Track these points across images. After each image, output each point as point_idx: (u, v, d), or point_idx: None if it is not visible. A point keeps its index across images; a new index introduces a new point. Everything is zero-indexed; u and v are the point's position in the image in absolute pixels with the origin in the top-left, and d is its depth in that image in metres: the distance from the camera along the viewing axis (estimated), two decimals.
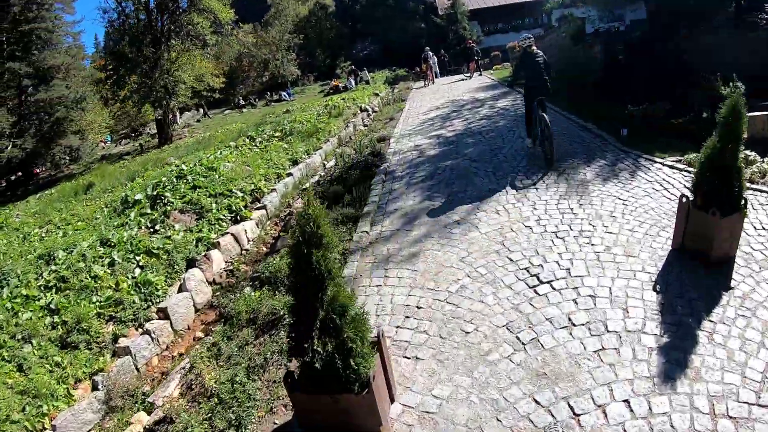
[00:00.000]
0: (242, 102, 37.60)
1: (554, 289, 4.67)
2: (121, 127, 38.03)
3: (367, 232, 6.79)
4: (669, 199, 6.37)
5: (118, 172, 17.40)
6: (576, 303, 4.43)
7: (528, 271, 5.00)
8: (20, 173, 28.57)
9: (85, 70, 31.39)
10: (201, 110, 35.71)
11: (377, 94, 24.70)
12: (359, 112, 19.81)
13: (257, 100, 38.21)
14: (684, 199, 4.81)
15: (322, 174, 11.22)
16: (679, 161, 7.74)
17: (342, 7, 48.06)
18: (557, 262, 5.08)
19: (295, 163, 12.60)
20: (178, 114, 36.44)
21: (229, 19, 27.40)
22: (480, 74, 26.25)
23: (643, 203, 6.31)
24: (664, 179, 7.05)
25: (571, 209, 6.32)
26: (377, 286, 5.36)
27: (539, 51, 8.38)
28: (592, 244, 5.35)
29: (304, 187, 10.77)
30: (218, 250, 8.19)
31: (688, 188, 5.96)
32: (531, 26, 41.34)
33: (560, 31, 19.03)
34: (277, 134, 15.23)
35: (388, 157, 10.67)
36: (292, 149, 13.53)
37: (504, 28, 42.27)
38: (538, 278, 4.85)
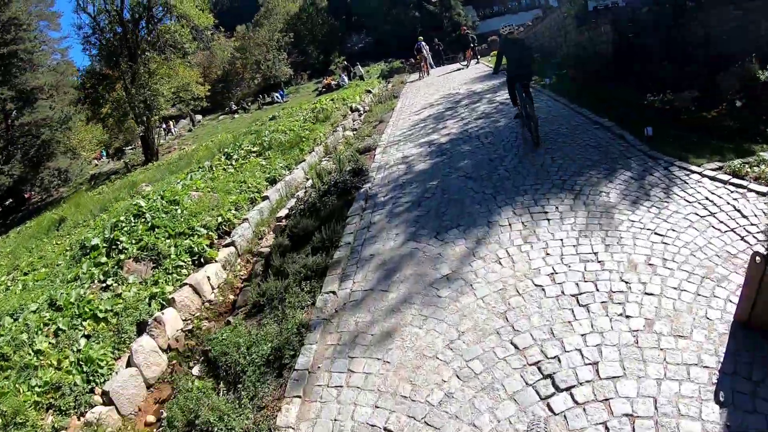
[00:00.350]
0: (234, 107, 36.35)
1: (576, 402, 3.23)
2: (117, 141, 37.08)
3: (334, 293, 5.38)
4: (718, 230, 4.88)
5: (92, 201, 16.14)
6: (608, 430, 3.00)
7: (539, 370, 3.55)
8: (11, 200, 27.73)
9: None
10: (190, 120, 34.44)
11: (369, 91, 23.28)
12: (349, 113, 18.39)
13: (250, 103, 37.01)
14: (758, 259, 3.33)
15: (302, 195, 9.85)
16: (721, 169, 6.22)
17: (334, 1, 46.84)
18: (580, 352, 3.62)
19: (273, 182, 11.25)
20: (172, 124, 35.34)
21: (208, 24, 25.97)
22: (477, 62, 24.66)
23: (687, 240, 4.81)
24: (707, 198, 5.54)
25: (596, 254, 4.84)
26: (337, 387, 3.95)
27: (520, 38, 8.91)
28: (627, 317, 3.88)
29: (279, 215, 9.41)
30: (174, 308, 6.90)
31: (751, 229, 4.52)
32: (528, 8, 39.61)
33: (563, 12, 17.36)
34: (255, 149, 13.88)
35: (372, 174, 9.23)
36: (270, 165, 12.18)
37: (500, 11, 40.48)
38: (553, 383, 3.41)
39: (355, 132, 15.09)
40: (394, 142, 11.48)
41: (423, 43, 24.96)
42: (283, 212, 9.41)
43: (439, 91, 17.92)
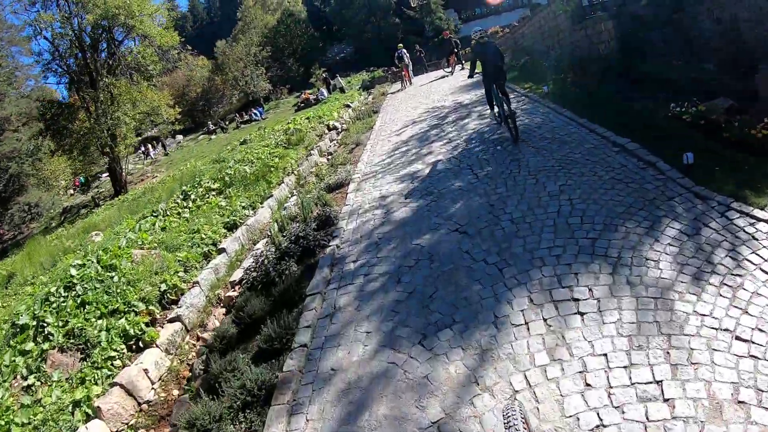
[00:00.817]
0: (212, 126, 34.70)
1: None
2: (94, 167, 35.56)
3: None
4: None
5: (45, 252, 14.29)
6: None
7: None
8: None
9: None
10: (161, 145, 32.75)
11: (349, 106, 21.62)
12: (326, 132, 16.67)
13: (228, 123, 35.41)
14: None
15: (261, 249, 8.12)
16: None
17: (313, 12, 45.66)
18: None
19: (232, 227, 9.48)
20: (152, 147, 33.68)
21: (173, 43, 24.23)
22: (462, 67, 23.03)
23: None
24: None
25: (659, 384, 3.10)
26: None
27: (490, 42, 9.33)
28: None
29: (232, 278, 7.65)
30: (102, 419, 5.19)
31: None
32: (511, 8, 38.18)
33: (555, 10, 15.74)
34: (216, 185, 12.08)
35: (342, 223, 7.48)
36: (231, 206, 10.39)
37: (482, 13, 38.97)
38: None
39: (330, 158, 13.35)
40: (371, 174, 9.75)
41: (404, 50, 23.31)
42: (237, 273, 7.65)
43: (422, 104, 16.23)
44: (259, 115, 33.57)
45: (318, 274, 6.03)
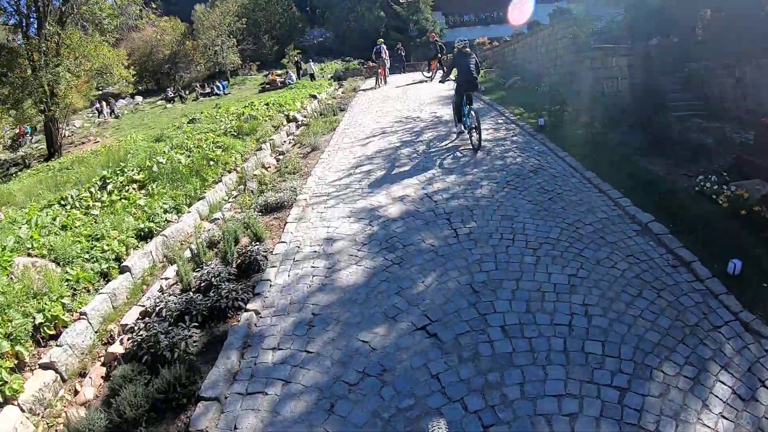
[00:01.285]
0: (171, 94, 31.90)
1: None
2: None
3: None
4: None
5: None
6: None
7: None
8: None
9: None
10: (109, 108, 29.78)
11: (315, 97, 19.53)
12: (284, 124, 14.63)
13: (189, 92, 32.68)
14: None
15: (171, 277, 6.17)
16: None
17: None
18: None
19: (147, 236, 7.38)
20: (106, 105, 30.60)
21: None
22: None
23: None
24: None
25: None
26: None
27: (471, 53, 9.35)
28: None
29: (125, 320, 5.65)
30: None
31: None
32: (500, 21, 36.90)
33: (557, 32, 14.29)
34: (140, 176, 9.83)
35: (270, 273, 5.54)
36: (150, 208, 8.22)
37: (470, 21, 37.49)
38: None
39: (281, 158, 11.32)
40: (321, 197, 7.86)
41: (383, 47, 21.45)
42: (133, 312, 5.65)
43: (395, 110, 14.42)
44: (221, 89, 31.01)
45: (223, 359, 4.14)
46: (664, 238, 5.33)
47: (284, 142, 13.11)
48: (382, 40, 22.28)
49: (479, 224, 6.08)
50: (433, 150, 9.54)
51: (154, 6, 29.42)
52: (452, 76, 10.30)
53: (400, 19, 35.04)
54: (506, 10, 36.79)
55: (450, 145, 9.78)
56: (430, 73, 22.03)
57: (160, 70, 36.81)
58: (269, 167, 10.72)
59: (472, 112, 9.09)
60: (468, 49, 9.44)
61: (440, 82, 11.30)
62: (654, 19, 13.15)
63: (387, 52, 21.64)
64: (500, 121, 11.48)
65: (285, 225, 6.87)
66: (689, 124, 9.59)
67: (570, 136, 9.57)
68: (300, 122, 15.19)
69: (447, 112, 12.87)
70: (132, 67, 25.70)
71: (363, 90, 20.78)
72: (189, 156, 10.55)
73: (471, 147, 9.23)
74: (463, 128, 9.91)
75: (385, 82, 21.54)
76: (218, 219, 7.86)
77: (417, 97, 16.41)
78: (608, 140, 9.25)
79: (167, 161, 10.15)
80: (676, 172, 7.45)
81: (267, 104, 16.59)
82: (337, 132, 12.54)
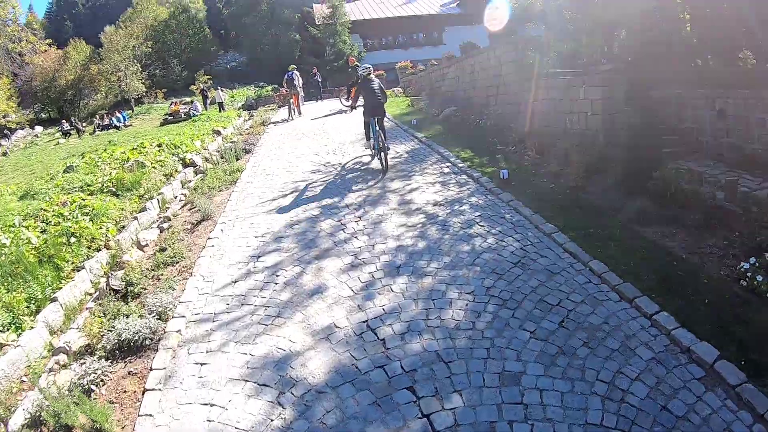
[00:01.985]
0: (66, 126, 27.70)
1: None
2: None
3: None
4: None
5: None
6: None
7: None
8: None
9: None
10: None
11: (219, 132, 16.30)
12: (180, 169, 11.48)
13: (86, 124, 28.61)
14: None
15: None
16: None
17: (214, 13, 40.27)
18: None
19: None
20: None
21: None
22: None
23: None
24: None
25: None
26: None
27: (375, 78, 9.61)
28: None
29: None
30: None
31: None
32: (421, 44, 35.34)
33: (500, 55, 12.17)
34: None
35: None
36: None
37: (389, 43, 35.60)
38: None
39: (164, 228, 8.06)
40: (204, 324, 4.87)
41: (296, 73, 18.63)
42: None
43: (311, 152, 11.59)
44: (122, 120, 26.98)
45: None
46: (702, 360, 3.08)
47: (176, 197, 9.89)
48: (294, 66, 19.46)
49: (467, 400, 3.38)
50: (365, 223, 6.78)
51: (34, 28, 25.61)
52: (359, 103, 10.34)
53: (317, 43, 32.51)
54: (427, 33, 35.48)
55: (387, 211, 7.08)
56: (350, 102, 19.42)
57: (63, 98, 32.92)
58: (147, 245, 7.52)
59: (381, 136, 9.09)
60: (372, 75, 9.56)
61: (351, 108, 11.19)
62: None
63: (300, 78, 18.83)
64: (446, 170, 8.96)
65: (143, 395, 3.80)
66: (692, 176, 7.50)
67: (545, 195, 7.23)
68: (198, 167, 11.98)
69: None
70: (14, 97, 21.69)
71: (274, 123, 17.76)
72: (44, 232, 7.23)
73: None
74: (372, 150, 9.89)
75: (299, 113, 18.68)
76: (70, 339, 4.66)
77: (337, 134, 13.65)
78: (594, 201, 7.01)
79: (12, 242, 6.78)
80: (696, 249, 5.51)
81: (160, 145, 13.18)
82: (238, 187, 9.49)
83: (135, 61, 31.27)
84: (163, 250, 6.93)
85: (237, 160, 12.18)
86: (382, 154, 9.07)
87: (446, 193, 7.71)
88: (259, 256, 6.11)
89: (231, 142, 15.11)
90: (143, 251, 7.37)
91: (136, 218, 8.28)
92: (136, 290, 5.81)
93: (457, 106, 14.40)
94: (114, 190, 9.55)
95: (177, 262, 6.42)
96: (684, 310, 4.29)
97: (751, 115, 8.14)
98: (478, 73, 14.08)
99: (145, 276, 6.12)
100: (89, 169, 11.46)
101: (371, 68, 9.93)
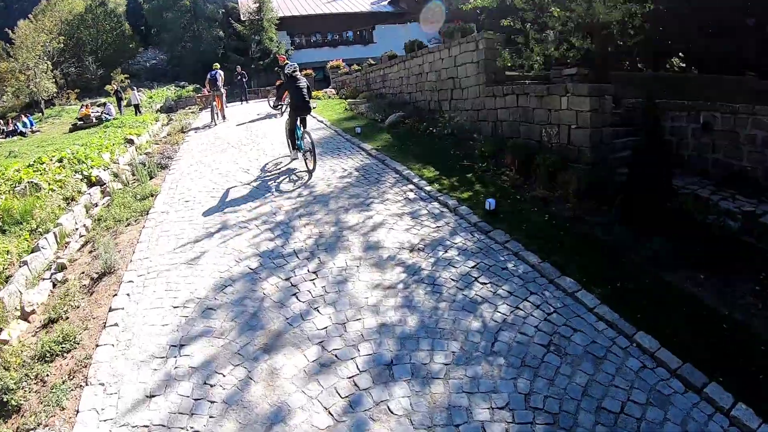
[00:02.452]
0: None
1: None
2: None
3: None
4: None
5: None
6: None
7: None
8: None
9: None
10: None
11: (132, 142, 13.88)
12: (84, 190, 9.29)
13: None
14: None
15: None
16: None
17: (134, 8, 36.83)
18: None
19: None
20: None
21: None
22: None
23: None
24: None
25: None
26: None
27: (302, 77, 9.13)
28: None
29: None
30: None
31: None
32: (350, 42, 33.76)
33: (454, 54, 10.90)
34: None
35: None
36: None
37: (318, 41, 33.72)
38: None
39: (58, 284, 5.91)
40: None
41: (219, 72, 16.42)
42: None
43: (239, 168, 9.65)
44: (29, 125, 23.16)
45: None
46: None
47: (77, 229, 7.71)
48: (218, 65, 17.17)
49: None
50: (324, 282, 5.07)
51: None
52: (284, 101, 10.10)
53: (242, 40, 30.00)
54: (357, 31, 33.87)
55: (350, 260, 5.43)
56: (281, 104, 17.43)
57: None
58: (33, 311, 5.43)
59: (306, 136, 8.86)
60: (298, 74, 9.17)
61: (273, 107, 11.14)
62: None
63: (223, 79, 16.64)
64: (411, 195, 7.41)
65: None
66: (698, 203, 6.47)
67: (543, 231, 5.93)
68: (106, 186, 9.75)
69: (318, 175, 8.55)
70: None
71: (195, 129, 15.47)
72: None
73: (306, 181, 8.44)
74: (297, 154, 9.65)
75: (223, 118, 16.51)
76: None
77: (268, 142, 11.78)
78: (600, 236, 5.82)
79: None
80: (733, 300, 4.70)
81: (61, 160, 10.63)
82: (150, 219, 7.40)
83: (45, 58, 27.56)
84: (52, 321, 5.08)
85: (151, 178, 10.03)
86: (308, 154, 8.81)
87: (421, 230, 6.16)
88: (182, 346, 4.23)
89: (145, 154, 12.85)
90: (29, 321, 5.36)
91: (25, 263, 6.26)
92: (12, 402, 3.85)
93: (403, 111, 12.94)
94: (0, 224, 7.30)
95: (69, 351, 4.47)
96: (756, 392, 3.48)
97: (740, 130, 7.44)
98: (426, 75, 12.68)
99: (27, 374, 4.13)
100: None
101: (297, 66, 9.43)
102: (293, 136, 9.59)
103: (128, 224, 7.40)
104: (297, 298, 4.80)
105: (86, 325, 4.85)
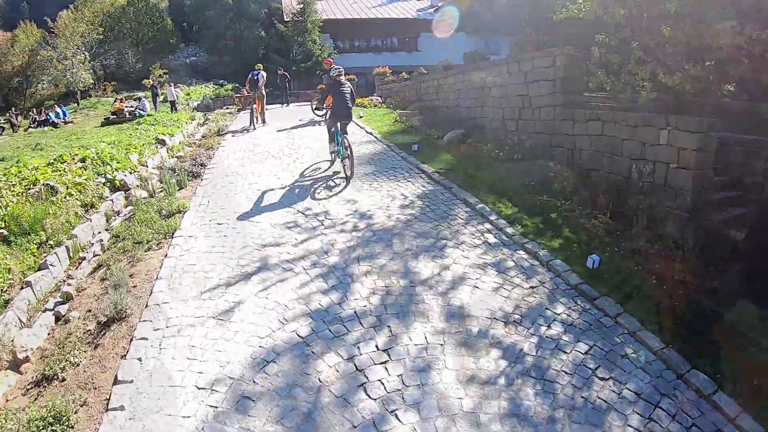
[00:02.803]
0: (1, 120, 23.28)
1: None
2: None
3: None
4: None
5: None
6: None
7: None
8: None
9: None
10: None
11: (164, 142, 12.96)
12: (106, 196, 8.33)
13: (20, 118, 24.52)
14: None
15: None
16: None
17: (176, 3, 37.86)
18: None
19: None
20: None
21: None
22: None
23: None
24: None
25: None
26: None
27: (346, 82, 8.95)
28: None
29: None
30: None
31: None
32: (396, 49, 32.67)
33: (525, 69, 9.60)
34: None
35: None
36: None
37: (361, 47, 32.73)
38: None
39: (61, 320, 4.85)
40: None
41: (262, 73, 15.44)
42: None
43: (280, 185, 8.50)
44: (62, 116, 22.63)
45: None
46: None
47: (92, 243, 6.72)
48: (260, 65, 16.22)
49: None
50: (400, 367, 3.82)
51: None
52: (326, 105, 9.74)
53: (283, 41, 29.17)
54: (401, 38, 32.76)
55: (429, 334, 4.16)
56: (325, 110, 16.30)
57: (9, 85, 28.66)
58: (27, 359, 4.47)
59: (346, 142, 8.68)
60: (343, 78, 8.94)
61: (315, 109, 10.97)
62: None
63: (265, 80, 15.62)
64: (491, 238, 6.11)
65: None
66: None
67: (662, 305, 4.56)
68: (130, 192, 8.80)
69: (374, 202, 7.30)
70: None
71: (232, 133, 14.47)
72: None
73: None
74: (336, 159, 9.58)
75: (263, 122, 15.50)
76: None
77: (313, 155, 10.63)
78: (734, 323, 4.44)
79: None
80: None
81: (84, 159, 9.62)
82: (175, 247, 6.26)
83: (83, 49, 27.24)
84: (47, 379, 4.09)
85: (180, 189, 8.97)
86: (347, 161, 8.73)
87: (512, 291, 4.85)
88: None
89: (177, 157, 11.86)
90: (21, 372, 4.31)
91: (29, 284, 5.35)
92: None
93: (463, 128, 11.64)
94: (5, 233, 6.31)
95: None
96: None
97: None
98: (489, 89, 11.38)
99: None
100: None
101: (342, 69, 9.21)
102: (333, 141, 9.44)
103: (149, 248, 6.28)
104: (366, 392, 3.54)
105: (85, 399, 3.72)
